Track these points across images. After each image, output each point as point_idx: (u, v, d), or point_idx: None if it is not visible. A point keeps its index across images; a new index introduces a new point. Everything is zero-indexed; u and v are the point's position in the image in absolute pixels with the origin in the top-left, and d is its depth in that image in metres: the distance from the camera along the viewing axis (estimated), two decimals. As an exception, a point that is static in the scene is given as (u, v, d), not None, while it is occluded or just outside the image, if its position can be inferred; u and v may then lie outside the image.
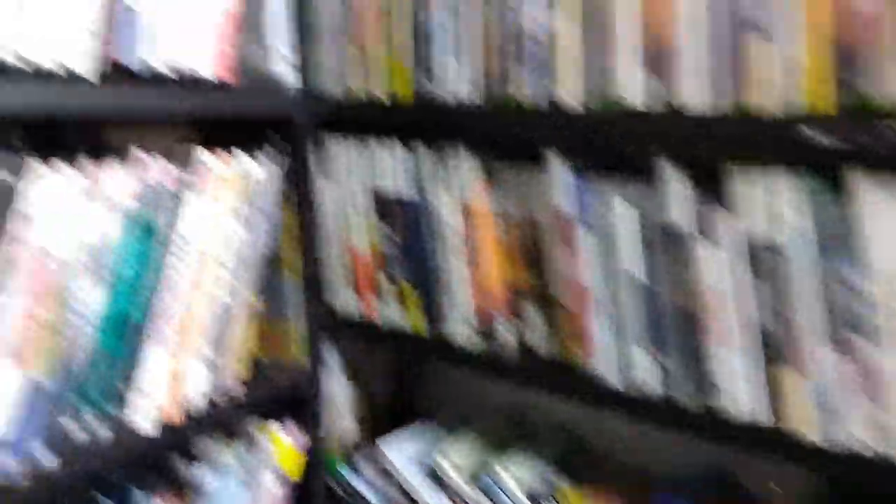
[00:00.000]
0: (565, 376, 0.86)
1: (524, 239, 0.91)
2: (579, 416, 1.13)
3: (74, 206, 0.59)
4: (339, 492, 1.10)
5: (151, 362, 0.66)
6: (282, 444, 0.84)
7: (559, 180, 0.84)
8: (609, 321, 0.82)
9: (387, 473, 1.05)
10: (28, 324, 0.56)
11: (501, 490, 0.97)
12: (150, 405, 0.65)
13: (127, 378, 0.64)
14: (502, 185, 0.92)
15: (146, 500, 0.68)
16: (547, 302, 0.90)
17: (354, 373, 1.23)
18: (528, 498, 0.96)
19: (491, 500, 0.98)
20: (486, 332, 0.93)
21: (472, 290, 0.94)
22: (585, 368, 0.84)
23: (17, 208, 0.55)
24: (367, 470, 1.09)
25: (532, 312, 0.92)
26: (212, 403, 0.72)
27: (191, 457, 0.77)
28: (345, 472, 1.10)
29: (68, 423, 0.59)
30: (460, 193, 0.93)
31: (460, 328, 0.96)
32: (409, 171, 0.98)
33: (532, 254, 0.91)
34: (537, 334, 0.92)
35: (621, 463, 1.08)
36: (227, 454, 0.78)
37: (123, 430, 0.62)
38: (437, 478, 1.03)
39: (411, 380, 1.34)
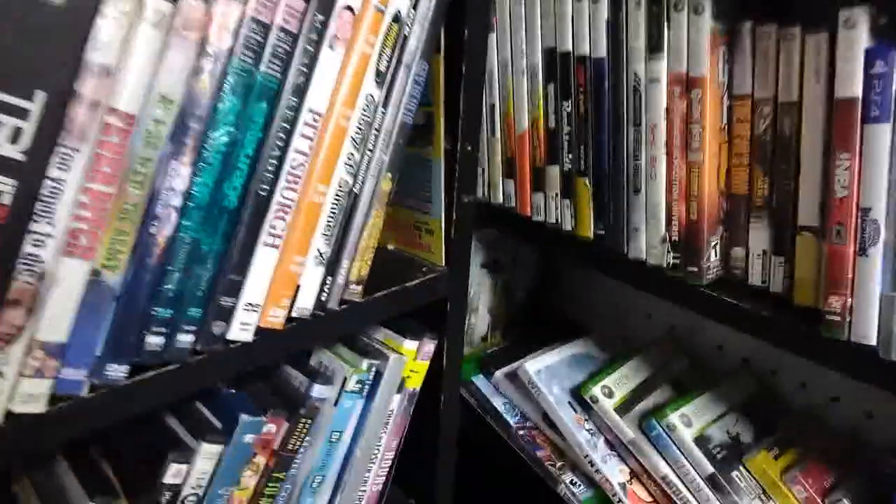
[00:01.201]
0: (792, 330, 0.62)
1: (769, 130, 0.64)
2: (775, 358, 0.89)
3: (155, 45, 0.42)
4: (472, 402, 0.97)
5: (253, 259, 0.50)
6: (410, 354, 0.69)
7: (851, 43, 0.55)
8: (892, 264, 0.56)
9: (527, 392, 0.89)
10: (93, 207, 0.41)
11: (670, 440, 0.78)
12: (249, 310, 0.51)
13: (220, 277, 0.49)
14: (743, 49, 0.64)
15: (251, 415, 0.55)
16: (786, 224, 0.64)
17: (502, 275, 1.06)
18: (705, 455, 0.76)
19: (654, 446, 0.80)
20: (683, 252, 0.70)
21: (672, 193, 0.70)
22: (832, 327, 0.59)
23: (77, 40, 0.38)
24: (504, 384, 0.94)
25: (759, 236, 0.66)
26: (326, 309, 0.56)
27: (305, 370, 0.64)
28: (480, 382, 0.96)
29: (144, 330, 0.46)
30: (676, 57, 0.66)
31: (645, 240, 0.73)
32: (602, 20, 0.71)
33: (778, 153, 0.64)
34: (759, 266, 0.67)
35: (826, 424, 0.84)
36: (345, 365, 0.64)
37: (211, 338, 0.48)
38: (585, 406, 0.86)
39: (567, 289, 1.15)
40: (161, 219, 0.45)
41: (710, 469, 0.76)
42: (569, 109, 0.77)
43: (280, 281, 0.53)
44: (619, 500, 0.81)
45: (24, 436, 0.43)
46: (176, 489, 0.55)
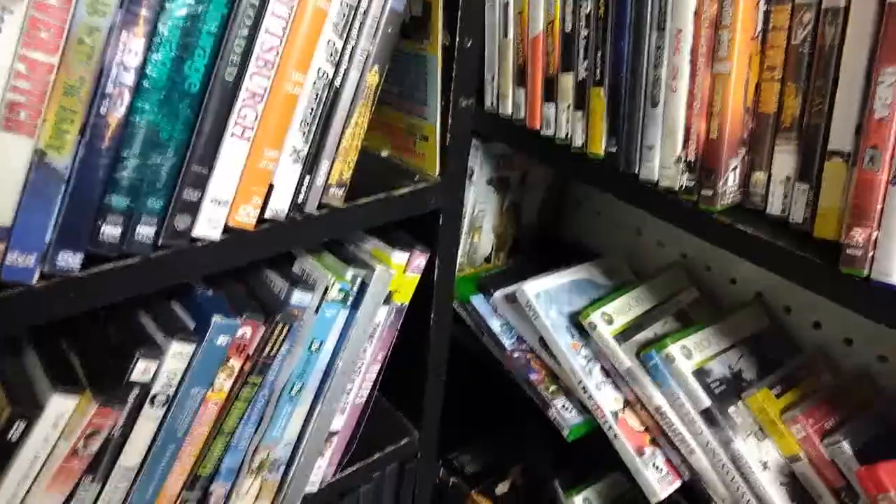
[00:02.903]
0: (808, 265, 0.57)
1: (808, 41, 0.57)
2: (790, 294, 0.85)
3: None
4: (468, 321, 0.95)
5: (220, 151, 0.46)
6: (398, 267, 0.66)
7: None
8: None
9: (525, 314, 0.86)
10: (32, 78, 0.37)
11: (667, 371, 0.75)
12: (216, 205, 0.47)
13: (183, 168, 0.45)
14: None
15: (226, 316, 0.53)
16: (814, 148, 0.58)
17: (509, 194, 1.01)
18: (703, 388, 0.74)
19: (651, 376, 0.77)
20: (699, 175, 0.64)
21: (693, 108, 0.63)
22: (853, 262, 0.54)
23: None
24: (502, 306, 0.91)
25: (785, 160, 0.60)
26: (304, 212, 0.53)
27: (286, 275, 0.62)
28: (477, 302, 0.94)
29: (99, 219, 0.43)
30: (710, -51, 0.58)
31: (659, 160, 0.67)
32: None
33: (816, 67, 0.57)
34: (780, 193, 0.61)
35: (836, 366, 0.80)
36: (328, 273, 0.61)
37: (175, 233, 0.45)
38: (583, 332, 0.83)
39: (578, 212, 1.10)
40: (112, 98, 0.41)
41: (707, 403, 0.73)
42: (587, 10, 0.69)
43: (251, 177, 0.50)
44: (610, 428, 0.79)
45: (-31, 321, 0.41)
46: (145, 387, 0.54)
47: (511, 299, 0.89)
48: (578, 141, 0.74)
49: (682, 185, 0.66)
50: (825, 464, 0.68)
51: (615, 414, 0.79)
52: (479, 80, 0.84)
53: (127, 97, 0.42)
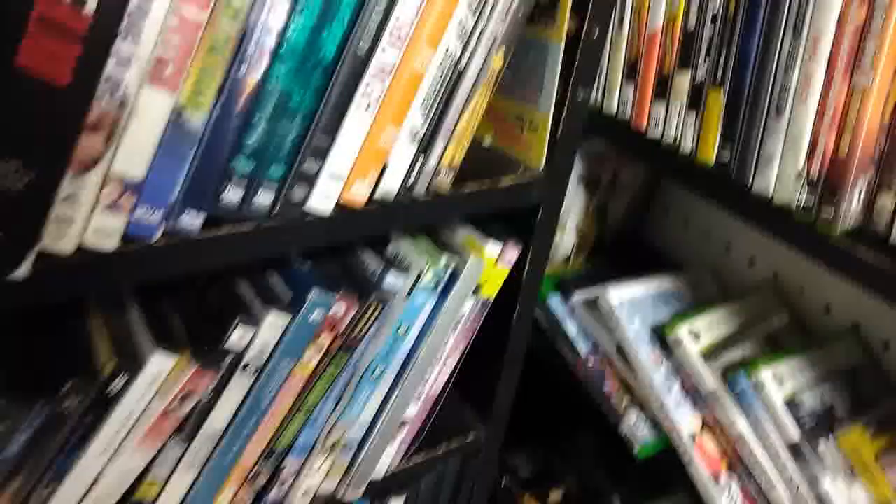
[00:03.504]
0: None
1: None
2: (890, 328, 0.80)
3: None
4: (543, 322, 0.93)
5: (344, 122, 0.45)
6: (489, 259, 0.64)
7: None
8: None
9: (605, 321, 0.84)
10: (182, 32, 0.37)
11: (755, 398, 0.72)
12: (331, 181, 0.47)
13: (308, 137, 0.45)
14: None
15: (322, 289, 0.52)
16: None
17: (598, 194, 0.98)
18: (794, 420, 0.70)
19: (737, 401, 0.74)
20: (823, 194, 0.60)
21: (823, 120, 0.59)
22: None
23: None
24: (580, 309, 0.89)
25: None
26: (412, 196, 0.52)
27: (382, 255, 0.61)
28: (554, 303, 0.91)
29: (224, 181, 0.42)
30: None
31: (776, 173, 0.64)
32: None
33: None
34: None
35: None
36: (424, 258, 0.60)
37: (289, 203, 0.44)
38: (666, 345, 0.80)
39: (667, 220, 1.06)
40: (252, 60, 0.41)
41: (796, 436, 0.69)
42: (716, 9, 0.66)
43: (369, 153, 0.49)
44: (685, 451, 0.76)
45: (92, 272, 0.41)
46: (239, 354, 0.54)
47: (591, 304, 0.87)
48: (688, 145, 0.71)
49: (800, 203, 0.62)
50: (926, 514, 0.64)
51: (693, 436, 0.76)
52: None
53: (266, 60, 0.41)
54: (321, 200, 0.48)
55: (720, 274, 0.96)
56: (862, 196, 0.60)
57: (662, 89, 0.73)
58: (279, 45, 0.41)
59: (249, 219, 0.46)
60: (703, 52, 0.68)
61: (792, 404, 0.71)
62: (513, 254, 0.67)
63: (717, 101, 0.67)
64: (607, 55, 0.78)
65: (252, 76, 0.41)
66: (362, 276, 0.61)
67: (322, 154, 0.46)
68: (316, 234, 0.50)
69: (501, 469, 1.13)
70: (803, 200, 0.62)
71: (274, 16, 0.40)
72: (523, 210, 0.65)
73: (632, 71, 0.76)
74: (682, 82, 0.70)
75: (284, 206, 0.47)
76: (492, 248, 0.65)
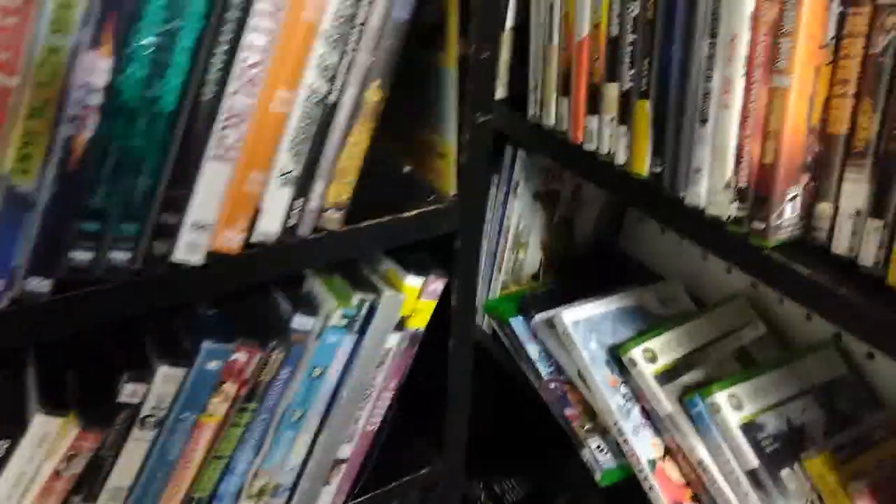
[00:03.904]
0: (886, 324, 0.48)
1: (891, 50, 0.48)
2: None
3: None
4: (506, 344, 0.89)
5: (200, 173, 0.44)
6: (411, 292, 0.62)
7: None
8: None
9: (562, 343, 0.80)
10: None
11: (711, 422, 0.67)
12: (196, 232, 0.45)
13: (160, 192, 0.43)
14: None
15: (220, 341, 0.51)
16: (892, 178, 0.49)
17: (559, 208, 0.94)
18: (751, 445, 0.65)
19: (694, 424, 0.69)
20: (753, 206, 0.56)
21: (746, 126, 0.55)
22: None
23: None
24: (543, 330, 0.85)
25: (855, 190, 0.51)
26: (296, 236, 0.50)
27: (293, 296, 0.59)
28: (517, 324, 0.88)
29: (69, 244, 0.41)
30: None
31: (706, 185, 0.59)
32: None
33: None
34: (849, 230, 0.52)
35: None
36: (332, 297, 0.58)
37: (152, 258, 0.43)
38: (624, 368, 0.76)
39: (637, 231, 1.01)
40: (78, 120, 0.40)
41: (754, 463, 0.64)
42: (635, 12, 0.62)
43: (235, 200, 0.47)
44: (646, 478, 0.71)
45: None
46: (134, 408, 0.53)
47: (550, 325, 0.83)
48: (621, 158, 0.67)
49: (730, 215, 0.57)
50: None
51: (652, 463, 0.72)
52: (522, 88, 0.79)
53: (94, 118, 0.40)
54: (188, 252, 0.47)
55: (697, 283, 0.90)
56: (797, 205, 0.55)
57: (594, 101, 0.69)
58: (107, 102, 0.40)
59: (108, 278, 0.44)
60: (627, 62, 0.64)
61: (752, 427, 0.66)
62: (437, 285, 0.64)
63: (644, 113, 0.63)
64: (541, 69, 0.75)
65: (82, 136, 0.40)
66: (273, 318, 0.59)
67: (180, 207, 0.45)
68: (191, 285, 0.48)
69: (489, 495, 1.09)
70: (734, 212, 0.57)
71: (96, 75, 0.39)
72: (444, 238, 0.63)
73: (565, 84, 0.72)
74: (611, 93, 0.67)
75: (146, 261, 0.45)
76: (412, 281, 0.62)
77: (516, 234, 0.92)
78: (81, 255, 0.43)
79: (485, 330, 0.96)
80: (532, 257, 0.97)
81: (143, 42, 0.40)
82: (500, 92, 0.82)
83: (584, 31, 0.68)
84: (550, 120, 0.76)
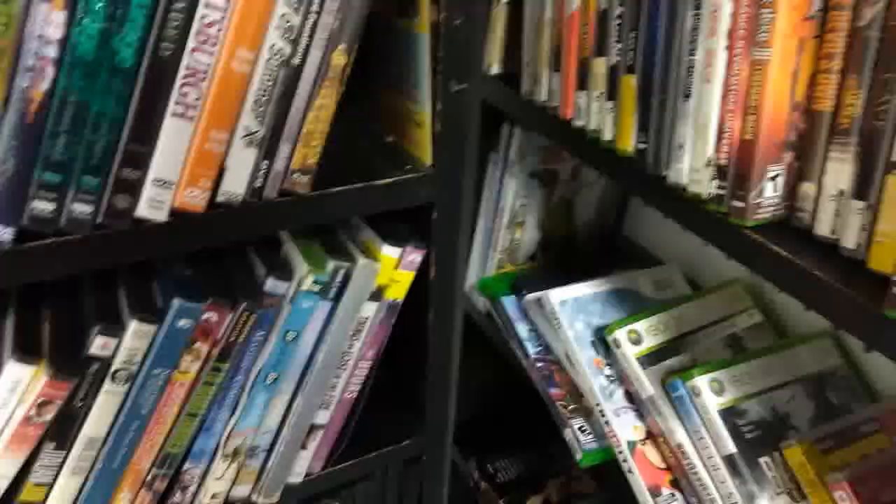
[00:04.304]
0: (855, 305, 0.46)
1: (877, 23, 0.46)
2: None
3: None
4: (497, 322, 0.89)
5: (160, 130, 0.44)
6: (388, 262, 0.62)
7: None
8: None
9: (549, 321, 0.79)
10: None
11: (692, 406, 0.66)
12: (159, 186, 0.46)
13: (120, 147, 0.44)
14: None
15: (191, 300, 0.52)
16: (877, 158, 0.47)
17: (551, 183, 0.93)
18: (730, 430, 0.63)
19: (675, 408, 0.68)
20: (732, 184, 0.54)
21: (727, 101, 0.53)
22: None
23: None
24: (533, 309, 0.84)
25: (839, 170, 0.49)
26: (263, 197, 0.50)
27: (267, 259, 0.59)
28: (508, 303, 0.87)
29: (29, 193, 0.42)
30: None
31: (687, 162, 0.57)
32: None
33: (885, 57, 0.45)
34: (831, 211, 0.50)
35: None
36: (304, 264, 0.58)
37: (115, 212, 0.44)
38: (608, 348, 0.75)
39: (639, 212, 0.99)
40: (35, 71, 0.41)
41: (732, 448, 0.63)
42: (623, -15, 0.61)
43: (198, 158, 0.48)
44: (625, 460, 0.71)
45: None
46: (105, 361, 0.54)
47: (539, 304, 0.82)
48: (608, 134, 0.66)
49: (709, 193, 0.56)
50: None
51: (632, 445, 0.71)
52: (517, 64, 0.78)
53: (51, 71, 0.41)
54: (151, 208, 0.47)
55: (698, 269, 0.88)
56: (779, 185, 0.53)
57: (583, 76, 0.68)
58: (63, 55, 0.41)
59: (71, 231, 0.46)
60: (614, 35, 0.62)
61: (731, 412, 0.65)
62: (415, 256, 0.64)
63: (629, 88, 0.62)
64: (533, 43, 0.74)
65: (38, 88, 0.41)
66: (246, 280, 0.60)
67: (141, 163, 0.46)
68: (155, 241, 0.49)
69: (483, 475, 1.10)
70: (713, 190, 0.56)
71: (50, 28, 0.40)
72: (424, 210, 0.62)
73: (556, 59, 0.71)
74: (599, 68, 0.65)
75: (109, 215, 0.46)
76: (389, 251, 0.63)
77: (513, 212, 0.91)
78: (43, 206, 0.44)
79: (480, 309, 0.96)
80: (530, 237, 0.96)
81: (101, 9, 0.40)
82: (496, 68, 0.81)
83: (574, 4, 0.67)
84: (542, 96, 0.74)
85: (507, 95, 0.79)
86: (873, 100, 0.47)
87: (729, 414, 0.64)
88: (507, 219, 0.91)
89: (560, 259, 0.97)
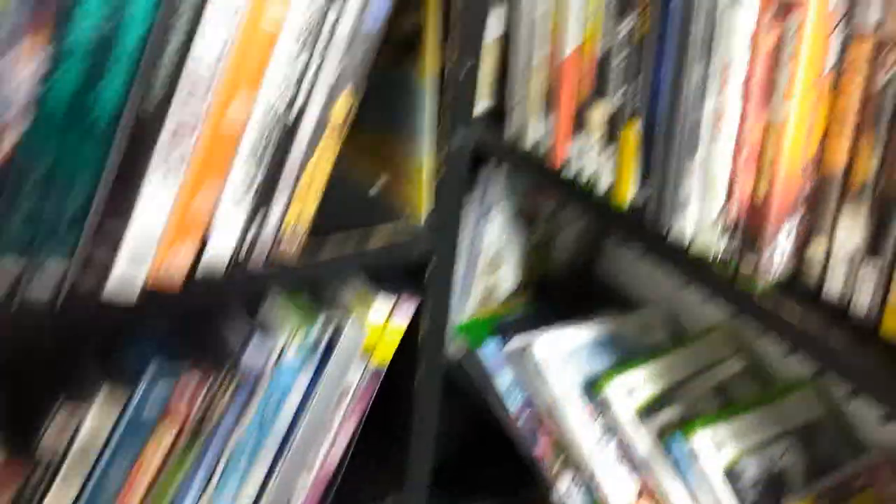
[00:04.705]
0: (878, 376, 0.45)
1: (894, 84, 0.45)
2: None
3: None
4: (472, 374, 0.85)
5: (138, 196, 0.39)
6: (375, 323, 0.58)
7: None
8: None
9: (534, 374, 0.76)
10: None
11: (693, 467, 0.63)
12: (128, 264, 0.40)
13: (86, 221, 0.38)
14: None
15: (161, 371, 0.46)
16: (891, 217, 0.46)
17: (538, 229, 0.91)
18: (735, 495, 0.61)
19: (672, 467, 0.65)
20: (743, 243, 0.53)
21: (739, 159, 0.52)
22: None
23: None
24: (513, 358, 0.81)
25: (851, 228, 0.48)
26: (245, 268, 0.45)
27: (249, 326, 0.54)
28: (488, 352, 0.83)
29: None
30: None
31: (693, 219, 0.56)
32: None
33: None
34: (843, 272, 0.49)
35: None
36: (288, 327, 0.53)
37: (74, 298, 0.38)
38: (598, 401, 0.72)
39: (618, 255, 0.98)
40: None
41: (735, 510, 0.61)
42: (626, 28, 0.59)
43: (178, 228, 0.42)
44: (619, 521, 0.68)
45: None
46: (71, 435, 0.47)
47: (522, 355, 0.79)
48: (604, 184, 0.64)
49: (717, 254, 0.54)
50: None
51: (626, 504, 0.68)
52: (501, 103, 0.75)
53: (20, 122, 0.35)
54: (119, 289, 0.41)
55: (679, 310, 0.87)
56: (790, 243, 0.52)
57: (579, 123, 0.65)
58: (36, 104, 0.35)
59: (20, 319, 0.39)
60: (617, 79, 0.60)
61: (734, 472, 0.63)
62: (409, 305, 0.60)
63: (632, 134, 0.60)
64: (522, 86, 0.71)
65: (4, 142, 0.35)
66: (231, 342, 0.54)
67: (112, 236, 0.40)
68: (123, 320, 0.43)
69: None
70: (722, 249, 0.54)
71: (23, 70, 0.34)
72: (414, 266, 0.58)
73: (548, 103, 0.68)
74: (598, 113, 0.63)
75: (70, 299, 0.40)
76: (382, 301, 0.58)
77: (491, 256, 0.88)
78: (-3, 281, 0.38)
79: (452, 355, 0.92)
80: (507, 278, 0.93)
81: (77, 41, 0.35)
82: (485, 102, 0.78)
83: (570, 48, 0.64)
84: (529, 141, 0.72)
85: (491, 136, 0.76)
86: (887, 162, 0.46)
87: (732, 474, 0.62)
88: (486, 263, 0.88)
89: (538, 300, 0.95)
